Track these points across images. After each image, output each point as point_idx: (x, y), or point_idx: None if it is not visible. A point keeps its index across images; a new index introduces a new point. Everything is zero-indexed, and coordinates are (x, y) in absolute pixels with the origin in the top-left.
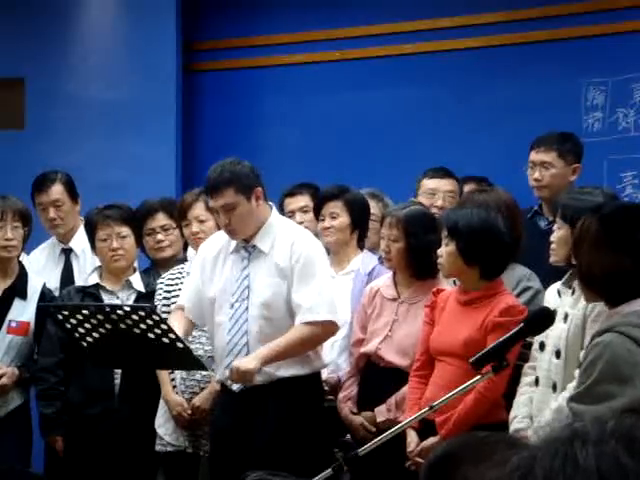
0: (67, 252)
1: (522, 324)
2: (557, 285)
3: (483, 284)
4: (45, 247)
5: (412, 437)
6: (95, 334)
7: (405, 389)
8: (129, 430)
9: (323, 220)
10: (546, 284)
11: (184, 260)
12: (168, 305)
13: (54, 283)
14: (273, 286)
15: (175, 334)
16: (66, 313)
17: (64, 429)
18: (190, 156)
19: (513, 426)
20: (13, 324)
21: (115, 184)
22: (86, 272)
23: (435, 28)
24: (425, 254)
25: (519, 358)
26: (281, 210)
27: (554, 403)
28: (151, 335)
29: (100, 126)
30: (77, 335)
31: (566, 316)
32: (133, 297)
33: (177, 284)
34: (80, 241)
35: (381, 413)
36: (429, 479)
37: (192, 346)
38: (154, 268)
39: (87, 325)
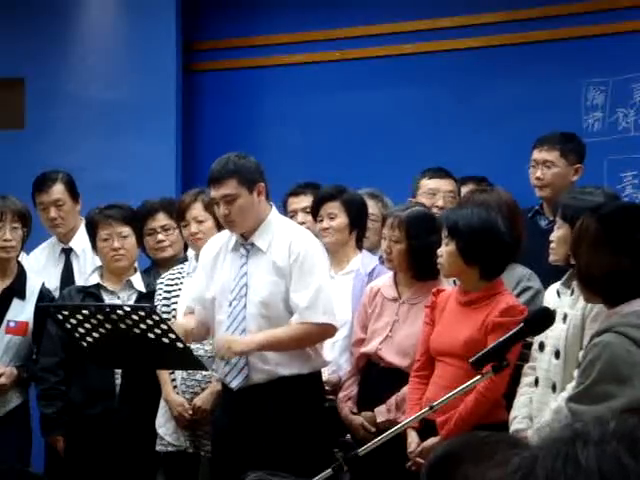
0: (67, 252)
1: (522, 324)
2: (556, 285)
3: (483, 284)
4: (45, 247)
5: (412, 437)
6: (95, 334)
7: (405, 389)
8: (130, 430)
9: (321, 221)
10: (546, 284)
11: (185, 260)
12: (168, 305)
13: (54, 283)
14: (271, 285)
15: (175, 334)
16: (66, 313)
17: (65, 429)
18: (190, 156)
19: (513, 426)
20: (12, 324)
21: (115, 184)
22: (86, 272)
23: (435, 28)
24: (427, 255)
25: (519, 358)
26: (285, 209)
27: (553, 403)
28: (151, 335)
29: (100, 126)
30: (77, 335)
31: (565, 316)
32: (134, 297)
33: (177, 284)
34: (80, 241)
35: (381, 413)
36: (430, 479)
37: (192, 346)
38: (155, 268)
39: (87, 325)
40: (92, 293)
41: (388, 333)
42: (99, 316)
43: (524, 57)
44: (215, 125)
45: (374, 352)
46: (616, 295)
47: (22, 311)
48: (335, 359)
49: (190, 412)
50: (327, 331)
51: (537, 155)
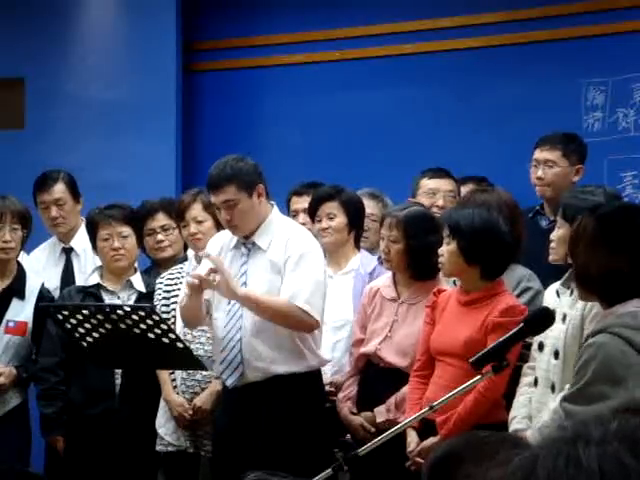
0: (68, 251)
1: (522, 324)
2: (555, 285)
3: (484, 284)
4: (45, 247)
5: (412, 437)
6: (95, 334)
7: (405, 389)
8: (130, 430)
9: (320, 221)
10: (546, 284)
11: (185, 260)
12: (167, 305)
13: (55, 282)
14: (269, 282)
15: (175, 334)
16: (66, 313)
17: (64, 429)
18: (190, 156)
19: (512, 426)
20: (11, 324)
21: (115, 184)
22: (87, 272)
23: (435, 28)
24: (425, 255)
25: (518, 359)
26: (287, 207)
27: (552, 403)
28: (151, 335)
29: (100, 126)
30: (77, 335)
31: (564, 316)
32: (134, 297)
33: (176, 284)
34: (81, 240)
35: (380, 413)
36: (431, 478)
37: (192, 346)
38: (155, 268)
39: (87, 325)
40: (92, 293)
41: (387, 333)
42: (99, 316)
43: (524, 57)
44: (215, 125)
45: (373, 352)
46: (612, 295)
47: (21, 311)
48: (338, 359)
49: (190, 412)
50: (307, 321)
51: (539, 155)
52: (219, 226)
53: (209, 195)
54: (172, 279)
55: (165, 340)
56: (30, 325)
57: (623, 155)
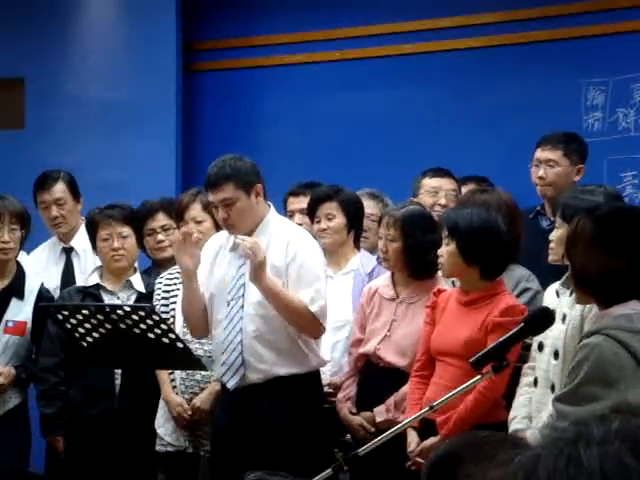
0: (68, 251)
1: (522, 324)
2: (555, 285)
3: (483, 284)
4: (45, 247)
5: (412, 437)
6: (95, 334)
7: (404, 389)
8: (129, 430)
9: (319, 222)
10: (547, 284)
11: None
12: (167, 305)
13: (55, 282)
14: None
15: (175, 334)
16: (66, 313)
17: (64, 429)
18: (190, 156)
19: (512, 426)
20: (10, 324)
21: (115, 184)
22: (87, 271)
23: (435, 28)
24: (423, 254)
25: (518, 360)
26: (284, 208)
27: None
28: (151, 335)
29: (100, 126)
30: (77, 335)
31: (564, 317)
32: (133, 297)
33: (175, 284)
34: (81, 240)
35: (380, 413)
36: (431, 478)
37: (191, 346)
38: (155, 268)
39: (87, 325)
40: (92, 293)
41: (386, 333)
42: (99, 316)
43: (524, 57)
44: (215, 125)
45: (373, 352)
46: (609, 296)
47: (21, 311)
48: (337, 360)
49: (189, 412)
50: (316, 328)
51: (540, 154)
52: (218, 226)
53: (207, 194)
54: (171, 279)
55: (165, 340)
56: (29, 325)
57: (623, 155)
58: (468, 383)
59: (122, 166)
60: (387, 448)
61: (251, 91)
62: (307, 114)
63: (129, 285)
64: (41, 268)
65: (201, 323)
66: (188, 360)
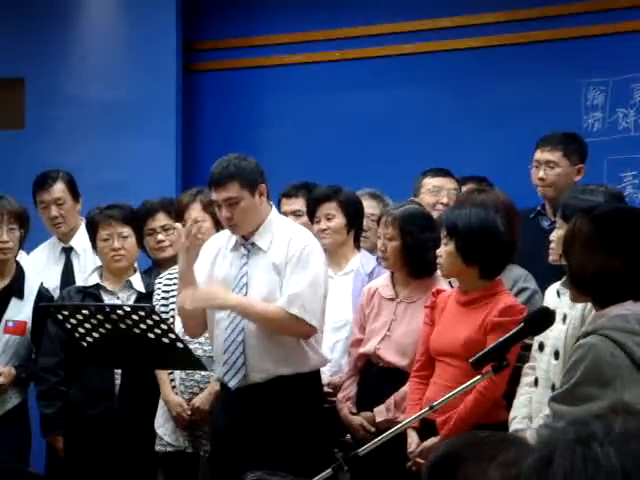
0: (67, 251)
1: (523, 324)
2: (556, 285)
3: (482, 284)
4: (45, 247)
5: (413, 437)
6: (95, 334)
7: (404, 389)
8: (129, 430)
9: (318, 222)
10: (548, 284)
11: None
12: (166, 305)
13: (54, 282)
14: (270, 283)
15: (175, 334)
16: (66, 313)
17: (64, 429)
18: (190, 156)
19: (513, 427)
20: (10, 324)
21: (115, 184)
22: (87, 271)
23: (435, 28)
24: (421, 252)
25: (518, 360)
26: (278, 210)
27: None
28: (151, 335)
29: (100, 126)
30: (77, 335)
31: (565, 317)
32: (133, 297)
33: (175, 284)
34: (81, 240)
35: (380, 413)
36: (431, 478)
37: (191, 346)
38: (155, 268)
39: (87, 325)
40: (92, 293)
41: (386, 332)
42: (99, 316)
43: (524, 57)
44: (215, 125)
45: (373, 352)
46: (606, 296)
47: (21, 311)
48: (337, 360)
49: (189, 412)
50: (301, 329)
51: (540, 155)
52: (218, 226)
53: (209, 194)
54: (171, 279)
55: (165, 340)
56: (29, 325)
57: (623, 155)
58: (468, 383)
59: (122, 166)
60: (387, 448)
61: (251, 91)
62: (307, 114)
63: (129, 285)
64: (41, 268)
65: (196, 322)
66: (188, 360)
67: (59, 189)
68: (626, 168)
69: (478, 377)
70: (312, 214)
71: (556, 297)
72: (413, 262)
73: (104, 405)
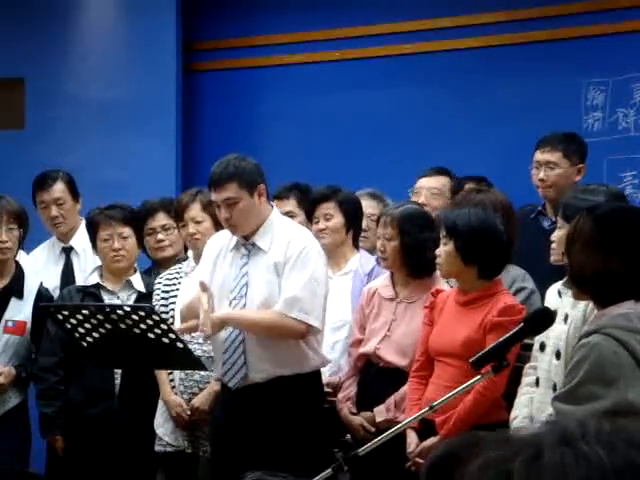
0: (67, 251)
1: (522, 324)
2: (557, 285)
3: (481, 284)
4: (45, 246)
5: (412, 437)
6: (95, 334)
7: (404, 389)
8: (129, 430)
9: (317, 222)
10: (548, 285)
11: (185, 260)
12: (166, 305)
13: (54, 282)
14: (270, 284)
15: (175, 334)
16: (66, 313)
17: (64, 429)
18: (190, 156)
19: (513, 426)
20: (10, 324)
21: (115, 184)
22: (87, 271)
23: (435, 28)
24: (420, 252)
25: (517, 360)
26: None
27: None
28: (151, 335)
29: (100, 126)
30: (77, 335)
31: (566, 317)
32: (134, 297)
33: (175, 284)
34: (81, 240)
35: (380, 413)
36: (430, 479)
37: (190, 346)
38: (155, 268)
39: (87, 325)
40: (92, 293)
41: (386, 332)
42: (99, 316)
43: (524, 57)
44: (215, 125)
45: (373, 352)
46: (607, 296)
47: (20, 310)
48: (336, 360)
49: (188, 412)
50: (300, 328)
51: (540, 156)
52: (218, 226)
53: (209, 194)
54: (171, 279)
55: (165, 340)
56: (29, 325)
57: (623, 155)
58: (468, 383)
59: (122, 166)
60: (387, 448)
61: (251, 91)
62: (307, 114)
63: (129, 285)
64: (40, 268)
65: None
66: (188, 360)
67: (59, 189)
68: (626, 168)
69: (478, 377)
70: (310, 214)
71: (557, 297)
72: (412, 262)
73: (104, 405)
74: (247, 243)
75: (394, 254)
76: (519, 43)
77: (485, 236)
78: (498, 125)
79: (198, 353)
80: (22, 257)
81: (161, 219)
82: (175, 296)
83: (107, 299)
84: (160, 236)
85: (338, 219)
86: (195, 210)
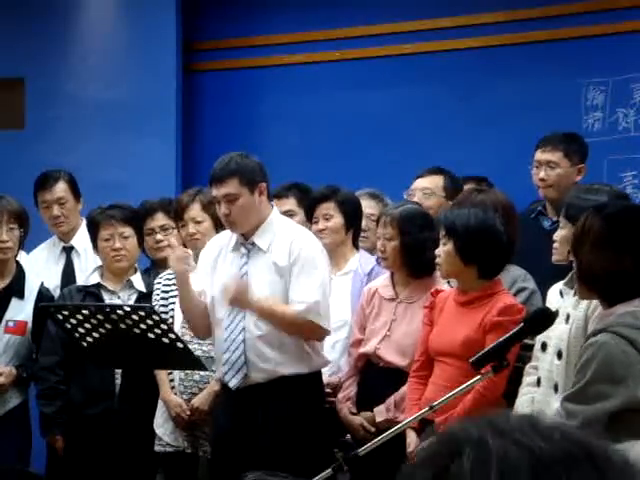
0: (68, 250)
1: (522, 324)
2: (559, 285)
3: (481, 284)
4: (45, 246)
5: (412, 437)
6: (95, 334)
7: (404, 389)
8: (129, 430)
9: (317, 222)
10: (549, 285)
11: None
12: (166, 305)
13: (55, 281)
14: (271, 284)
15: (175, 334)
16: (66, 313)
17: (64, 428)
18: (190, 156)
19: None
20: (10, 324)
21: (115, 184)
22: (87, 270)
23: (435, 28)
24: (420, 252)
25: (517, 360)
26: None
27: (556, 404)
28: (151, 335)
29: (100, 126)
30: (77, 335)
31: (568, 317)
32: (134, 297)
33: (174, 284)
34: (82, 239)
35: (380, 413)
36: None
37: (190, 346)
38: (154, 268)
39: (87, 325)
40: (92, 293)
41: (386, 332)
42: (99, 316)
43: (524, 57)
44: (215, 125)
45: (373, 352)
46: (615, 294)
47: (21, 310)
48: (335, 360)
49: (188, 413)
50: (318, 332)
51: (540, 156)
52: (217, 226)
53: (209, 194)
54: (170, 279)
55: (165, 340)
56: (30, 325)
57: (623, 155)
58: (468, 383)
59: (122, 166)
60: (387, 448)
61: (251, 91)
62: (307, 114)
63: (130, 285)
64: (41, 267)
65: (203, 323)
66: (188, 360)
67: (61, 189)
68: (626, 168)
69: (478, 377)
70: (310, 214)
71: (559, 297)
72: (412, 262)
73: (104, 405)
74: (246, 242)
75: (394, 254)
76: (519, 43)
77: (484, 236)
78: (498, 125)
79: (198, 353)
80: (22, 257)
81: (160, 219)
82: (175, 296)
83: (108, 299)
84: (159, 236)
85: (338, 219)
86: (195, 210)
